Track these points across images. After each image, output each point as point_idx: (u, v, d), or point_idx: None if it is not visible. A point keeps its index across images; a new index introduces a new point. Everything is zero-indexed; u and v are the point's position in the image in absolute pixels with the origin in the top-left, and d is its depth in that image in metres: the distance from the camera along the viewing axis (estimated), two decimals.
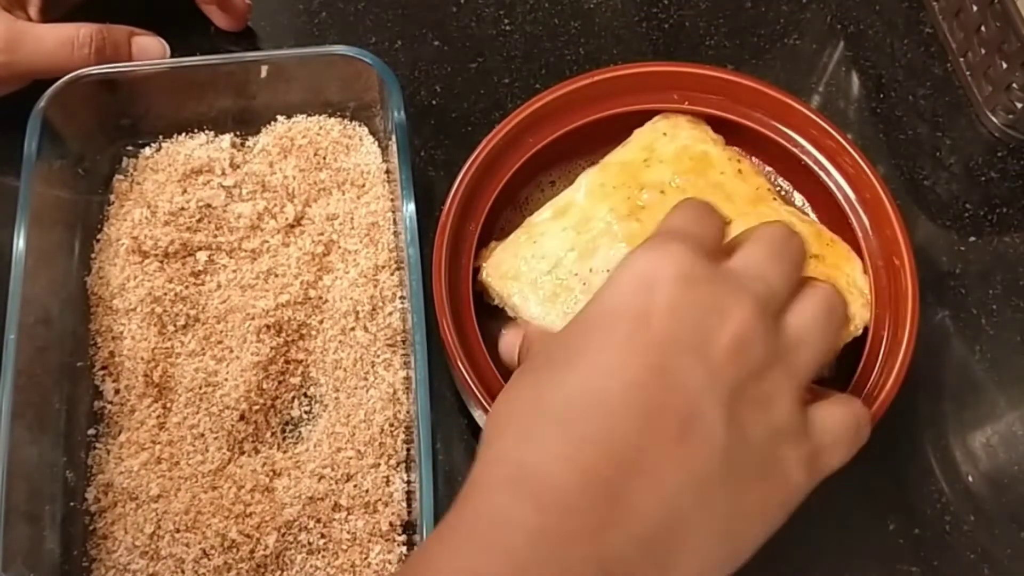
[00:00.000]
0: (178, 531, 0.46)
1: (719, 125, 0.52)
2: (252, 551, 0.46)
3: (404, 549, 0.47)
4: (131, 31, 0.56)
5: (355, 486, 0.47)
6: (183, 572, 0.46)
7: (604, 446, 0.31)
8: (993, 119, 0.59)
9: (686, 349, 0.32)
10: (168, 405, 0.50)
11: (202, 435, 0.48)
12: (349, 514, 0.47)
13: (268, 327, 0.50)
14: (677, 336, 0.32)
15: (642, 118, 0.52)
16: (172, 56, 0.57)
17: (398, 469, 0.48)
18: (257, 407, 0.49)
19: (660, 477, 0.31)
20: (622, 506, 0.31)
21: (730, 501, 0.32)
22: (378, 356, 0.50)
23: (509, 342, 0.46)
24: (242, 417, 0.49)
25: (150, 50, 0.56)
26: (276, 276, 0.52)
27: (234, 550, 0.46)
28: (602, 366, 0.33)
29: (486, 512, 0.32)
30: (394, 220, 0.53)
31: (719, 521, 0.32)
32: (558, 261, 0.47)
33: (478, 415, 0.46)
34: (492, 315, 0.50)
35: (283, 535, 0.47)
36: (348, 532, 0.47)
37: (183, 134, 0.56)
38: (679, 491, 0.31)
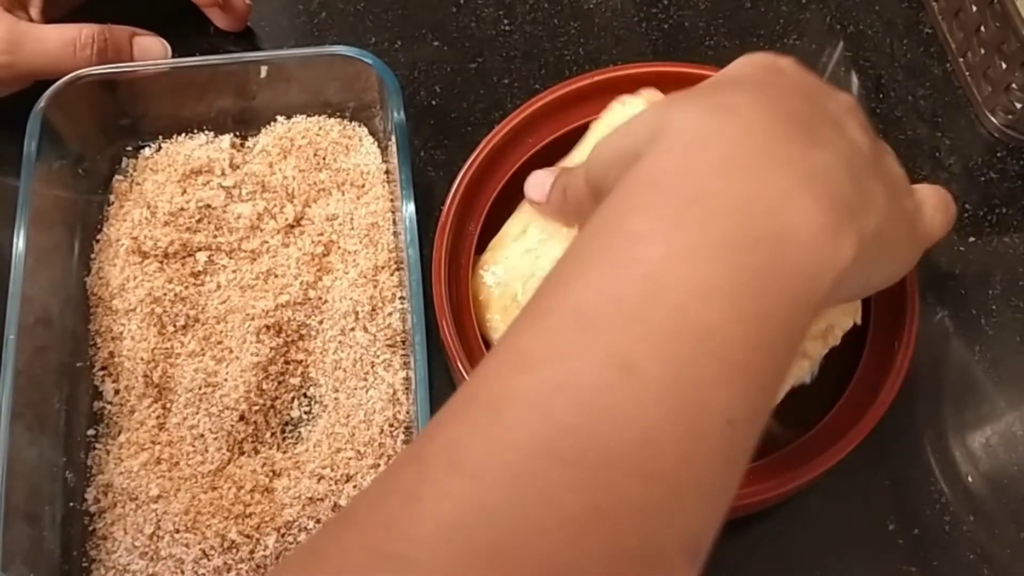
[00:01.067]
0: (178, 532, 0.46)
1: None
2: (252, 552, 0.46)
3: None
4: (132, 31, 0.56)
5: (355, 487, 0.47)
6: (183, 572, 0.46)
7: (785, 110, 0.34)
8: (993, 119, 0.59)
9: (816, 93, 0.37)
10: (168, 405, 0.50)
11: (202, 436, 0.48)
12: None
13: (268, 328, 0.50)
14: (806, 85, 0.37)
15: None
16: (172, 56, 0.57)
17: None
18: (257, 407, 0.49)
19: (832, 137, 0.34)
20: (814, 137, 0.33)
21: (885, 193, 0.35)
22: (378, 357, 0.50)
23: (540, 182, 0.45)
24: (242, 417, 0.49)
25: (151, 50, 0.56)
26: (276, 277, 0.52)
27: (234, 551, 0.46)
28: (760, 90, 0.35)
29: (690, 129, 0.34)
30: (394, 220, 0.53)
31: (883, 200, 0.35)
32: (523, 285, 0.46)
33: None
34: None
35: (283, 536, 0.47)
36: None
37: (183, 134, 0.56)
38: (851, 151, 0.34)
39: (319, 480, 0.47)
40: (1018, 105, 0.57)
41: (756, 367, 0.30)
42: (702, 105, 0.34)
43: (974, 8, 0.58)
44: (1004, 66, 0.56)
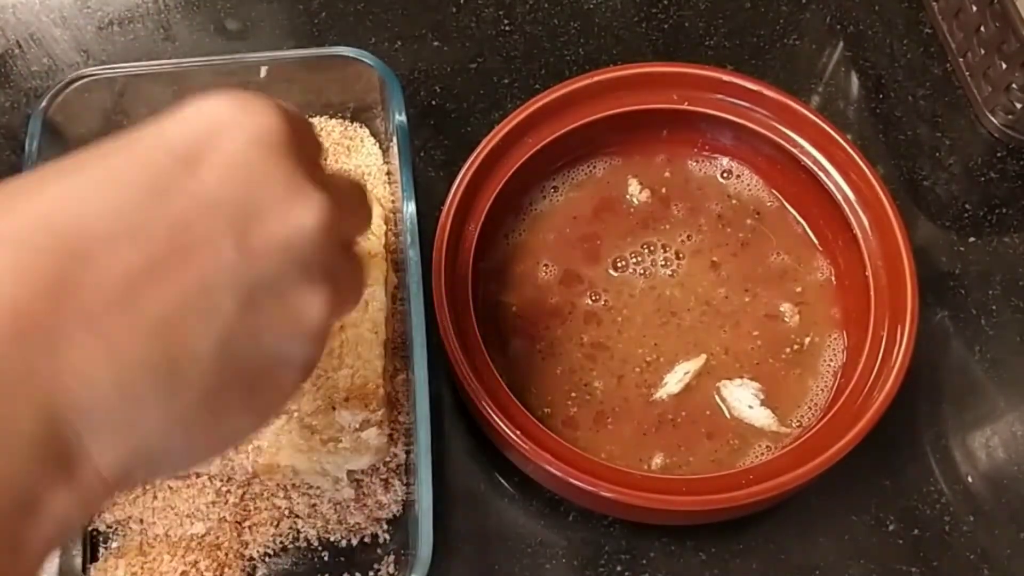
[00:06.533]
0: (180, 526, 0.46)
1: (719, 125, 0.52)
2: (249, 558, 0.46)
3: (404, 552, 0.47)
4: None
5: (355, 489, 0.47)
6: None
7: (57, 285, 0.25)
8: (993, 119, 0.59)
9: (223, 220, 0.27)
10: None
11: None
12: None
13: None
14: (220, 199, 0.27)
15: (642, 118, 0.52)
16: (172, 56, 0.57)
17: (397, 472, 0.48)
18: None
19: (114, 334, 0.25)
20: (57, 358, 0.24)
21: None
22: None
23: None
24: None
25: None
26: None
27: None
28: (103, 194, 0.26)
29: None
30: (394, 220, 0.53)
31: (200, 393, 0.27)
32: None
33: (478, 417, 0.46)
34: (492, 315, 0.50)
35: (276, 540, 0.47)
36: None
37: None
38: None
39: None
40: (1018, 105, 0.57)
41: None
42: None
43: (974, 8, 0.58)
44: (1004, 66, 0.56)
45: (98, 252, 0.25)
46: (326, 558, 0.47)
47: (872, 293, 0.47)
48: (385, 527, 0.47)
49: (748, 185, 0.54)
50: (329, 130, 0.56)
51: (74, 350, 0.25)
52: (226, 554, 0.46)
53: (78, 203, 0.26)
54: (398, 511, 0.47)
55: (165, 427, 0.27)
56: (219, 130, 0.28)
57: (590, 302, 0.51)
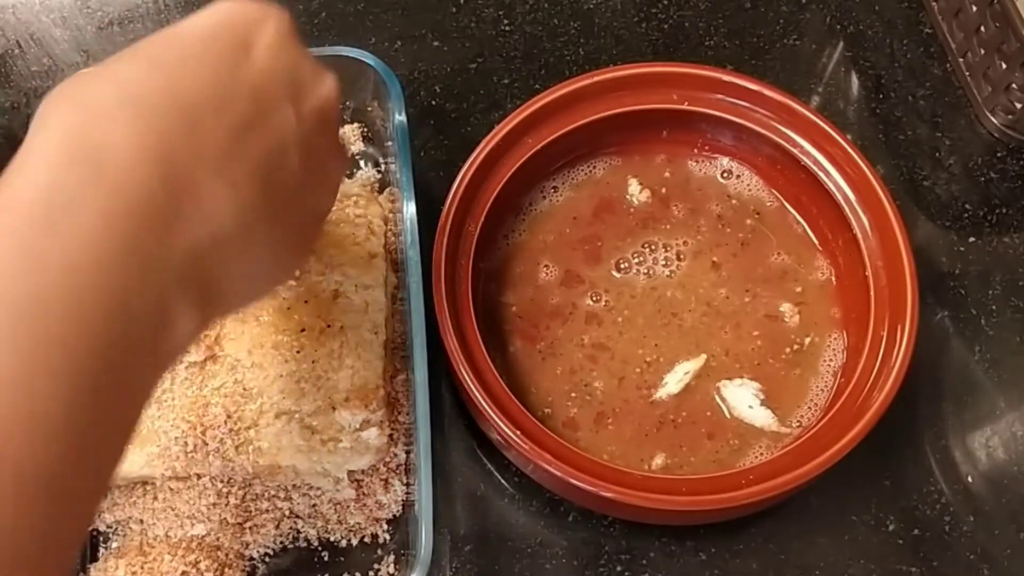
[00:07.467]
0: (181, 523, 0.46)
1: (719, 125, 0.52)
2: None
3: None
4: None
5: (355, 489, 0.47)
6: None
7: (185, 139, 0.30)
8: (993, 119, 0.59)
9: (282, 89, 0.34)
10: None
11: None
12: None
13: None
14: (275, 74, 0.34)
15: (642, 118, 0.52)
16: None
17: (397, 472, 0.48)
18: None
19: (234, 179, 0.31)
20: (196, 198, 0.30)
21: (285, 218, 0.34)
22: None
23: None
24: None
25: None
26: None
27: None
28: (191, 70, 0.32)
29: (48, 187, 0.29)
30: (394, 220, 0.53)
31: (278, 230, 0.34)
32: None
33: (478, 417, 0.46)
34: (492, 315, 0.50)
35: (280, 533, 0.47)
36: None
37: None
38: (252, 194, 0.32)
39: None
40: (1018, 105, 0.57)
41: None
42: (70, 149, 0.31)
43: (974, 8, 0.58)
44: (1004, 66, 0.56)
45: (205, 114, 0.31)
46: (326, 558, 0.47)
47: (872, 293, 0.48)
48: (385, 527, 0.47)
49: (748, 185, 0.54)
50: None
51: (205, 192, 0.30)
52: (226, 554, 0.46)
53: (168, 78, 0.31)
54: (398, 511, 0.47)
55: (266, 250, 0.33)
56: (254, 22, 0.34)
57: (591, 303, 0.51)
